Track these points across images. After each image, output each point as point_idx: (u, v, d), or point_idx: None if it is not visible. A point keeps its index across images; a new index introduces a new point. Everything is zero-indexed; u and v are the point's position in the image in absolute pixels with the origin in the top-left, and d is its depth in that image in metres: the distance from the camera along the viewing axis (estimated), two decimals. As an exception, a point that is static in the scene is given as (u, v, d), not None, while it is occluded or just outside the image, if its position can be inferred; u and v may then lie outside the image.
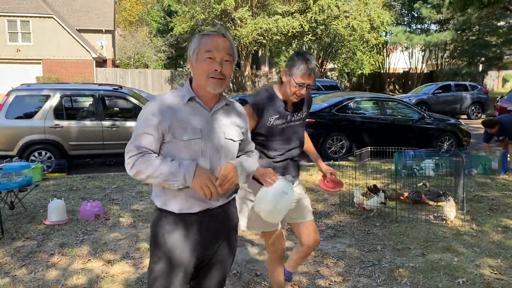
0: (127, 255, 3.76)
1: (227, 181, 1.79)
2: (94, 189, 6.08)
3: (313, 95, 12.71)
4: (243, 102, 15.35)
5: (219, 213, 1.90)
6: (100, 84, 9.54)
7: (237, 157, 2.00)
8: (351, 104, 9.37)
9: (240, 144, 2.00)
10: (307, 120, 7.79)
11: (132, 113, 8.38)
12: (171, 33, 33.25)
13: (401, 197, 5.32)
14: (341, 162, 7.62)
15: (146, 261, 3.66)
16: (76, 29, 29.60)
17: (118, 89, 8.47)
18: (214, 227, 1.89)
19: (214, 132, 1.87)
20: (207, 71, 1.81)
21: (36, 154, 7.52)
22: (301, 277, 3.38)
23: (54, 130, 7.51)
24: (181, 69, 34.81)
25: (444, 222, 4.59)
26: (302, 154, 2.74)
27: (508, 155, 7.00)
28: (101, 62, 31.03)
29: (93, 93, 7.98)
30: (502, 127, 6.57)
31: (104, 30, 31.97)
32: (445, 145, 9.36)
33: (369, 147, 6.50)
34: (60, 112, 7.61)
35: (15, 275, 3.38)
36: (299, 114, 2.64)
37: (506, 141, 6.80)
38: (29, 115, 7.58)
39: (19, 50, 27.39)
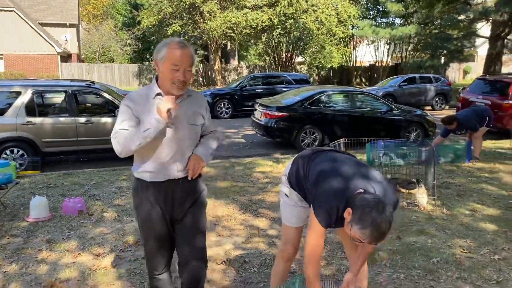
0: (116, 248, 3.84)
1: (197, 169, 2.35)
2: (72, 185, 6.05)
3: (284, 89, 12.98)
4: (215, 96, 15.37)
5: (183, 184, 2.38)
6: (72, 80, 9.40)
7: (202, 137, 2.51)
8: (323, 98, 9.62)
9: (202, 126, 2.47)
10: (280, 114, 7.86)
11: (106, 108, 8.32)
12: (138, 26, 32.73)
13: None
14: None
15: (136, 253, 3.75)
16: (39, 23, 28.70)
17: (91, 84, 8.38)
18: (179, 194, 2.37)
19: (178, 120, 2.30)
20: (172, 79, 2.24)
21: (8, 152, 7.35)
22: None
23: (26, 127, 7.37)
24: (147, 63, 34.31)
25: (417, 208, 4.88)
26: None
27: (472, 145, 7.42)
28: (65, 57, 30.21)
29: (66, 89, 7.87)
30: (459, 122, 7.04)
31: (68, 24, 31.10)
32: (413, 135, 9.75)
33: (344, 139, 6.75)
34: (32, 109, 7.46)
35: (6, 271, 3.40)
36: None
37: (469, 133, 7.27)
38: (-1, 112, 7.42)
39: (-22, 45, 26.34)
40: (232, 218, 4.66)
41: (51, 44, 27.15)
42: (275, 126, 9.18)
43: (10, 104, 7.43)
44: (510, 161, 7.36)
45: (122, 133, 2.21)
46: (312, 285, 2.22)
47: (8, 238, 4.09)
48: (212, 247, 3.87)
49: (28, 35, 26.76)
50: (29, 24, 26.69)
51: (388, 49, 31.00)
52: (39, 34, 27.05)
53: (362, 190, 2.11)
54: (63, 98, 8.34)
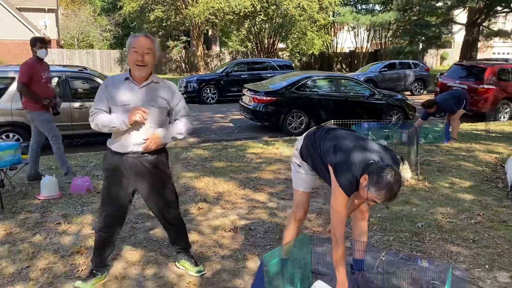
0: (129, 220, 4.15)
1: (153, 141, 2.75)
2: (73, 167, 6.28)
3: (269, 75, 13.36)
4: (201, 82, 15.52)
5: (143, 158, 2.81)
6: (64, 66, 9.50)
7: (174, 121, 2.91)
8: (309, 83, 9.99)
9: (169, 111, 2.87)
10: (268, 98, 8.24)
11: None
12: (118, 12, 32.33)
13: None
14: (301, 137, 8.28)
15: (148, 224, 4.07)
16: (17, 8, 28.10)
17: (83, 70, 8.53)
18: (139, 166, 2.81)
19: (140, 101, 2.74)
20: (133, 61, 2.71)
21: (3, 136, 7.48)
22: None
23: (21, 112, 7.49)
24: (125, 49, 34.02)
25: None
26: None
27: (450, 127, 7.94)
28: (45, 43, 29.69)
29: (59, 74, 8.00)
30: (438, 106, 7.57)
31: (46, 9, 30.59)
32: (394, 118, 10.23)
33: (332, 121, 7.14)
34: (26, 94, 7.59)
35: (31, 241, 3.68)
36: None
37: (448, 115, 7.81)
38: (-7, 98, 7.51)
39: (-45, 30, 25.72)
40: (233, 193, 5.02)
41: (30, 30, 26.70)
42: (263, 110, 9.52)
43: (5, 89, 7.54)
44: (485, 141, 7.91)
45: (98, 117, 2.72)
46: (338, 246, 2.60)
47: (25, 214, 4.35)
48: (218, 218, 4.24)
49: (6, 21, 26.25)
50: (7, 9, 26.17)
51: (368, 36, 31.53)
52: (18, 19, 26.56)
53: (374, 160, 2.49)
54: (56, 83, 8.48)
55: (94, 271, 2.97)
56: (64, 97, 7.77)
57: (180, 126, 2.86)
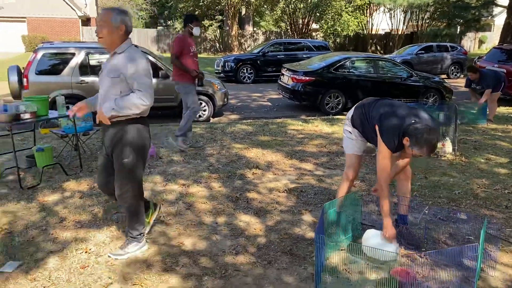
0: (196, 181, 4.72)
1: (99, 116, 2.89)
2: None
3: (305, 55, 13.69)
4: (238, 61, 15.88)
5: (104, 127, 2.97)
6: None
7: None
8: (347, 64, 10.27)
9: (123, 82, 2.83)
10: (307, 78, 8.70)
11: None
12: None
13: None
14: (338, 116, 8.69)
15: (214, 184, 4.63)
16: (59, -14, 29.05)
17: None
18: (104, 134, 3.00)
19: (104, 71, 2.96)
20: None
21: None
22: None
23: (80, 86, 8.16)
24: (161, 28, 34.61)
25: (437, 157, 5.70)
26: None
27: (487, 109, 8.16)
28: (85, 21, 30.71)
29: (115, 51, 8.61)
30: (481, 75, 7.79)
31: (87, -12, 31.42)
32: (430, 100, 10.43)
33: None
34: (85, 69, 8.22)
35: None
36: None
37: (485, 94, 8.01)
38: (56, 71, 8.17)
39: (2, 8, 26.87)
40: (281, 162, 5.51)
41: (72, 8, 27.62)
42: (302, 90, 9.89)
43: (66, 64, 8.20)
44: (521, 123, 8.10)
45: None
46: (384, 191, 3.08)
47: (102, 172, 4.97)
48: (272, 181, 4.75)
49: (49, -1, 27.26)
50: (50, -13, 27.11)
51: (404, 17, 31.04)
52: (61, -3, 27.50)
53: (413, 121, 2.94)
54: (112, 60, 9.10)
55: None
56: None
57: (125, 101, 2.81)
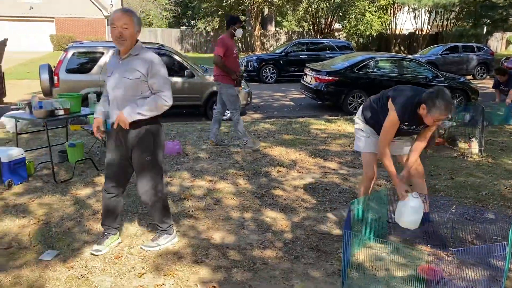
0: (222, 177, 4.82)
1: (119, 120, 2.86)
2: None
3: (327, 55, 13.71)
4: (261, 61, 15.94)
5: (122, 128, 2.89)
6: (143, 43, 10.29)
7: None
8: (371, 64, 10.23)
9: (143, 83, 2.86)
10: (330, 78, 8.70)
11: (177, 69, 9.19)
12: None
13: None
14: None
15: (240, 181, 4.71)
16: (86, -13, 29.72)
17: (162, 47, 9.27)
18: (121, 135, 2.95)
19: (117, 72, 2.90)
20: (113, 36, 2.86)
21: (95, 105, 8.40)
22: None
23: (107, 84, 8.37)
24: (185, 28, 34.94)
25: (463, 157, 5.66)
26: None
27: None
28: (110, 21, 31.25)
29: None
30: (509, 77, 7.71)
31: (112, -12, 32.00)
32: (456, 101, 10.31)
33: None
34: (113, 68, 8.44)
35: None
36: (415, 128, 3.30)
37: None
38: (85, 70, 8.40)
39: (32, 8, 27.63)
40: (305, 161, 5.57)
41: (98, 8, 28.21)
42: (325, 89, 9.91)
43: (95, 63, 8.42)
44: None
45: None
46: (383, 148, 3.22)
47: (131, 168, 5.11)
48: (296, 179, 4.81)
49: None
50: (78, -12, 27.75)
51: (429, 17, 30.59)
52: (87, -2, 28.12)
53: (425, 92, 3.08)
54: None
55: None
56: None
57: (150, 104, 2.87)
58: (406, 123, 3.19)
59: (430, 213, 3.57)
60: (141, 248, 3.18)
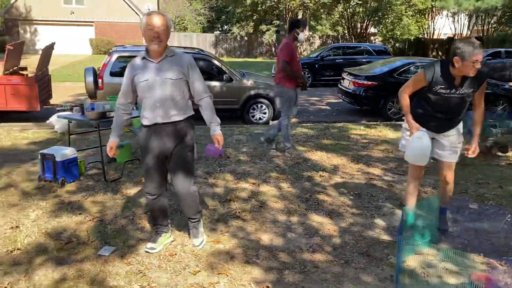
0: (265, 180, 4.87)
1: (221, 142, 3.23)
2: (198, 137, 7.17)
3: (364, 59, 13.56)
4: (303, 64, 15.90)
5: (166, 128, 2.99)
6: (185, 48, 10.52)
7: (198, 103, 3.11)
8: (412, 69, 10.07)
9: (183, 83, 2.98)
10: (369, 83, 8.71)
11: (216, 73, 9.32)
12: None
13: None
14: (401, 122, 8.50)
15: (283, 184, 4.76)
16: (124, -8, 30.58)
17: (200, 51, 9.45)
18: (164, 135, 3.00)
19: (158, 75, 2.93)
20: (149, 37, 2.87)
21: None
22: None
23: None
24: (218, 32, 35.32)
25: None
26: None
27: None
28: (147, 25, 31.97)
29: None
30: None
31: (150, -7, 32.79)
32: (499, 108, 10.00)
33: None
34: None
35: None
36: (455, 91, 3.25)
37: None
38: (129, 73, 8.64)
39: (73, 13, 28.67)
40: (347, 166, 5.55)
41: (136, 13, 28.96)
42: (363, 94, 9.83)
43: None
44: None
45: (115, 116, 3.16)
46: (402, 93, 3.42)
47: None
48: (340, 185, 4.81)
49: (116, 4, 28.75)
50: (117, -7, 28.60)
51: (469, 22, 29.80)
52: (126, 3, 28.92)
53: None
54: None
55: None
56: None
57: (212, 110, 3.14)
58: (441, 86, 3.19)
59: (480, 222, 3.52)
60: (192, 245, 3.27)
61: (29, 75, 8.95)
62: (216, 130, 3.16)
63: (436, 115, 3.33)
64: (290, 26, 6.00)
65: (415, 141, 3.28)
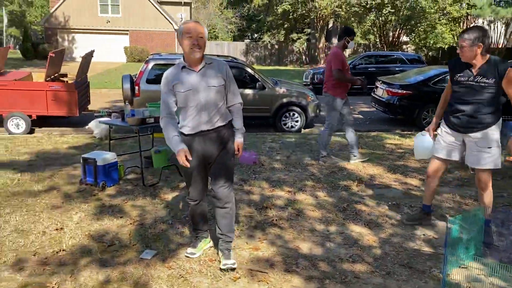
0: (300, 189, 4.85)
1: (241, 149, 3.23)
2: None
3: (397, 68, 13.35)
4: (314, 74, 15.74)
5: (210, 135, 3.00)
6: (218, 56, 10.66)
7: (229, 108, 3.10)
8: (447, 78, 9.84)
9: (224, 89, 3.00)
10: (403, 92, 8.75)
11: (249, 81, 9.39)
12: (245, 5, 34.09)
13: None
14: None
15: (319, 193, 4.73)
16: (158, 1, 31.28)
17: (234, 60, 9.54)
18: (208, 142, 3.01)
19: (200, 84, 2.93)
20: (188, 45, 2.86)
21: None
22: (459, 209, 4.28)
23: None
24: (249, 41, 35.55)
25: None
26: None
27: None
28: (180, 34, 32.56)
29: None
30: None
31: (183, 2, 33.43)
32: (540, 119, 9.64)
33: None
34: (189, 79, 8.78)
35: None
36: (473, 79, 3.37)
37: None
38: (164, 81, 8.81)
39: (109, 21, 29.53)
40: (384, 176, 5.46)
41: (170, 22, 29.57)
42: (397, 103, 9.67)
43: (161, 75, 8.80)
44: None
45: (166, 129, 2.96)
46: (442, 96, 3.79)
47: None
48: (378, 195, 4.74)
49: (150, 13, 29.46)
50: (151, 2, 29.31)
51: (505, 30, 28.93)
52: (160, 12, 29.58)
53: None
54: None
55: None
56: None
57: (240, 118, 3.14)
58: (460, 74, 3.41)
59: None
60: (223, 265, 3.05)
61: (69, 81, 9.26)
62: (241, 137, 3.18)
63: (458, 107, 3.44)
64: (341, 33, 5.97)
65: (418, 138, 3.80)
